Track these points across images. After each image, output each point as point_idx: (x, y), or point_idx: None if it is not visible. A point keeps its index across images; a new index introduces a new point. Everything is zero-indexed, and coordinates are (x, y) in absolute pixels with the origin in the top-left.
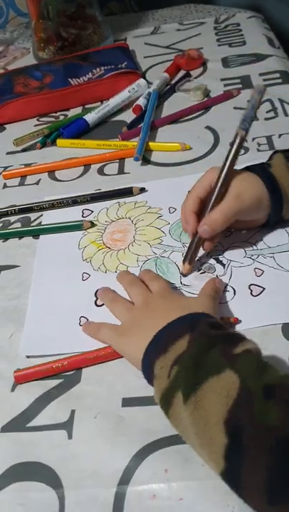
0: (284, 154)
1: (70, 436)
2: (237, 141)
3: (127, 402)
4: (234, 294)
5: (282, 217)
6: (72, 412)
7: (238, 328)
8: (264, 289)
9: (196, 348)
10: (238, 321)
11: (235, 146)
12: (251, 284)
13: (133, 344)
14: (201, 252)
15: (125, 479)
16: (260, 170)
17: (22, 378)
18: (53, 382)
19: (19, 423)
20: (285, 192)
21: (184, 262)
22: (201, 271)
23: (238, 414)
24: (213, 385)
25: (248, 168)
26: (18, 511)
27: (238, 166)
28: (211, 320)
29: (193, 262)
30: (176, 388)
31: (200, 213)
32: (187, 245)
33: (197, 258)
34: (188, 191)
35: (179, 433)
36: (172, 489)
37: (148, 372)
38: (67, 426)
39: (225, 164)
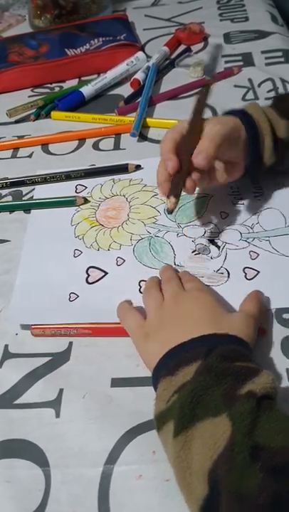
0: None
1: (57, 415)
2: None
3: (116, 383)
4: (228, 276)
5: (261, 156)
6: (61, 390)
7: None
8: (258, 272)
9: (198, 383)
10: (266, 333)
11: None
12: (246, 267)
13: (151, 352)
14: (196, 233)
15: (112, 459)
16: (233, 110)
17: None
18: (42, 360)
19: (7, 400)
20: (259, 127)
21: (168, 196)
22: (196, 252)
23: (219, 470)
24: (206, 428)
25: None
26: (4, 488)
27: None
28: (228, 348)
29: (179, 196)
30: (169, 417)
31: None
32: (182, 225)
33: (192, 240)
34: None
35: (166, 453)
36: (159, 470)
37: (155, 384)
38: (55, 404)
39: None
